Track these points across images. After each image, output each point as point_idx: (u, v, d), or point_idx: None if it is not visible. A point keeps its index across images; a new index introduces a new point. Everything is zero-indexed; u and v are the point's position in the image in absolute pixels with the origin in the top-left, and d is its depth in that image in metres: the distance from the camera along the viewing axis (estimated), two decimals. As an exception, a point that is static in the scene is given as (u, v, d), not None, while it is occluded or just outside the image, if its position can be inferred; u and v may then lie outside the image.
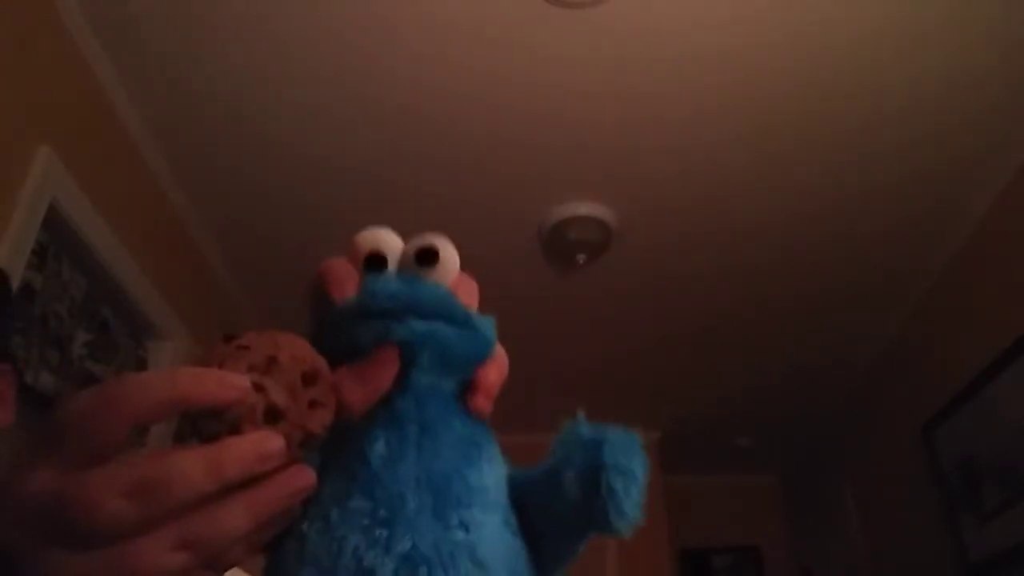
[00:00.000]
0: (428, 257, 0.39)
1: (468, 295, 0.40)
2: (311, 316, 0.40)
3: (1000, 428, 2.38)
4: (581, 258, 2.55)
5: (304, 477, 0.32)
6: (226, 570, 0.31)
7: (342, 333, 0.38)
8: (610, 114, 2.08)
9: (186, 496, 0.28)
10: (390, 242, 0.40)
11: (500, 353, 0.42)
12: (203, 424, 0.31)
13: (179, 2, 1.73)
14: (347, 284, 0.38)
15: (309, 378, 0.34)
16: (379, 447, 0.37)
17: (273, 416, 0.32)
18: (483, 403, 0.40)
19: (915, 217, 2.50)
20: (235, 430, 0.31)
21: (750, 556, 4.81)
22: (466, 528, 0.35)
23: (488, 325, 0.41)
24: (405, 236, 0.41)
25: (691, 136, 2.16)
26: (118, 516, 0.28)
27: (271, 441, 0.31)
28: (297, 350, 0.34)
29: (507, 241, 2.59)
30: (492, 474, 0.39)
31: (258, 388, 0.32)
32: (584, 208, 2.42)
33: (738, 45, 1.87)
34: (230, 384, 0.31)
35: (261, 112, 2.04)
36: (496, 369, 0.41)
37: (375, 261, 0.39)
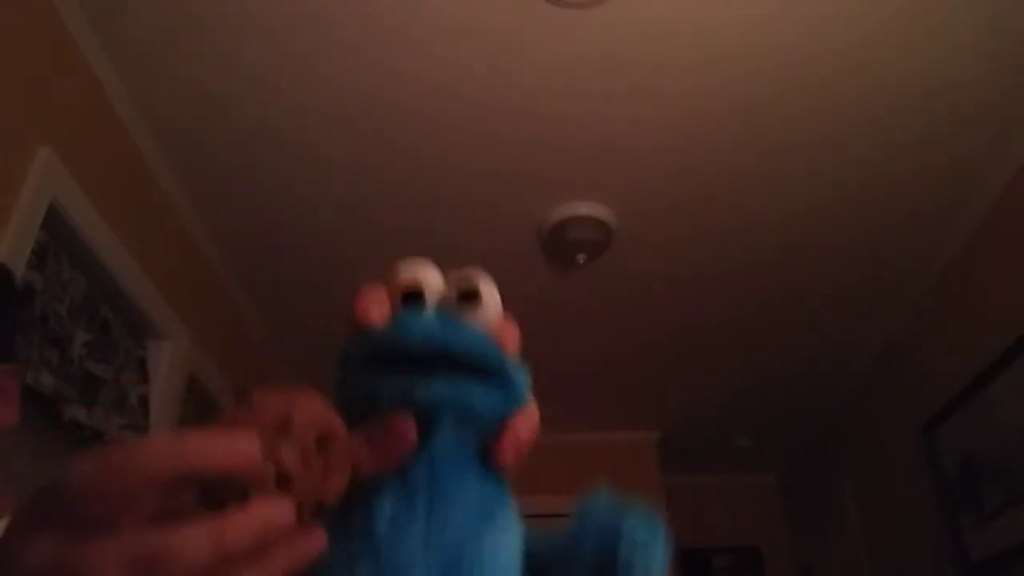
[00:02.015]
0: (470, 297, 0.36)
1: (508, 340, 0.38)
2: (342, 351, 0.38)
3: (1000, 428, 2.38)
4: (581, 258, 2.55)
5: (315, 542, 0.31)
6: None
7: (362, 383, 0.36)
8: (610, 114, 2.08)
9: (189, 571, 0.27)
10: (430, 277, 0.38)
11: (532, 410, 0.39)
12: (212, 490, 0.29)
13: (180, 2, 1.73)
14: (376, 308, 0.36)
15: (324, 442, 0.32)
16: (386, 514, 0.35)
17: (286, 482, 0.30)
18: (509, 457, 0.38)
19: (915, 217, 2.50)
20: (244, 496, 0.29)
21: (750, 556, 4.81)
22: None
23: (523, 374, 0.39)
24: (442, 271, 0.39)
25: (691, 136, 2.16)
26: None
27: (280, 512, 0.30)
28: (312, 410, 0.32)
29: (507, 241, 2.59)
30: (506, 543, 0.37)
31: (269, 453, 0.30)
32: (584, 208, 2.42)
33: (738, 45, 1.87)
34: (239, 451, 0.29)
35: (262, 112, 2.04)
36: (528, 425, 0.39)
37: (412, 297, 0.36)
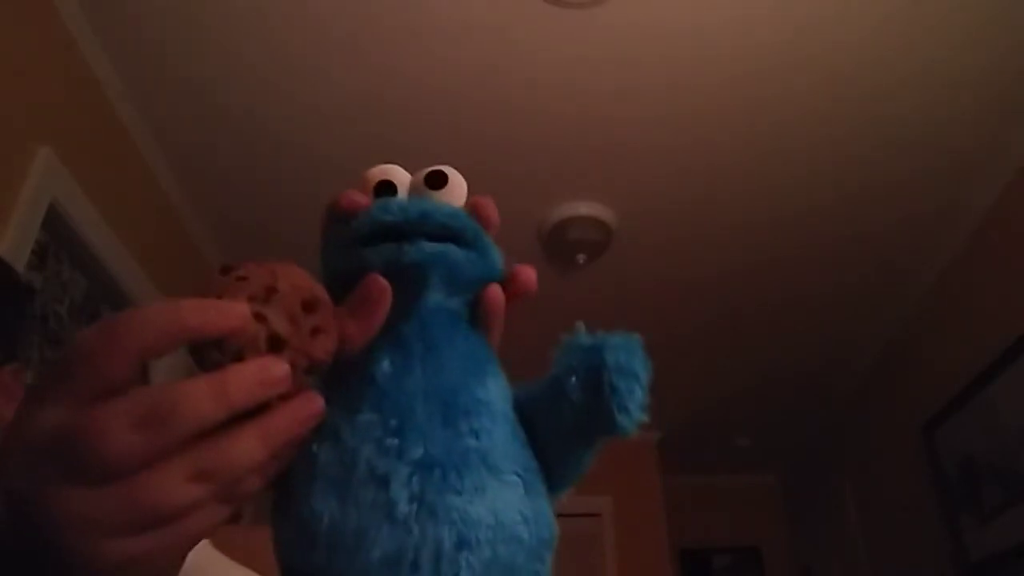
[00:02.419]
0: (437, 179, 0.39)
1: (483, 213, 0.41)
2: (322, 242, 0.40)
3: (1000, 428, 2.38)
4: (581, 258, 2.55)
5: (313, 404, 0.32)
6: (241, 502, 0.31)
7: (352, 256, 0.38)
8: (610, 114, 2.08)
9: (194, 424, 0.28)
10: (400, 173, 0.40)
11: (521, 269, 0.43)
12: (206, 354, 0.31)
13: (180, 3, 1.73)
14: (357, 196, 0.39)
15: (310, 305, 0.33)
16: (384, 366, 0.37)
17: (276, 345, 0.32)
18: (501, 298, 0.41)
19: (915, 217, 2.50)
20: (238, 359, 0.30)
21: (750, 556, 4.82)
22: (476, 435, 0.36)
23: (497, 250, 0.42)
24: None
25: (691, 136, 2.16)
26: (127, 448, 0.27)
27: (275, 367, 0.31)
28: (296, 278, 0.34)
29: (507, 241, 2.54)
30: (497, 388, 0.39)
31: (259, 317, 0.31)
32: (584, 208, 2.42)
33: (737, 45, 1.87)
34: (231, 313, 0.30)
35: (261, 111, 2.04)
36: (518, 284, 0.42)
37: (385, 188, 0.39)
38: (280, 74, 1.92)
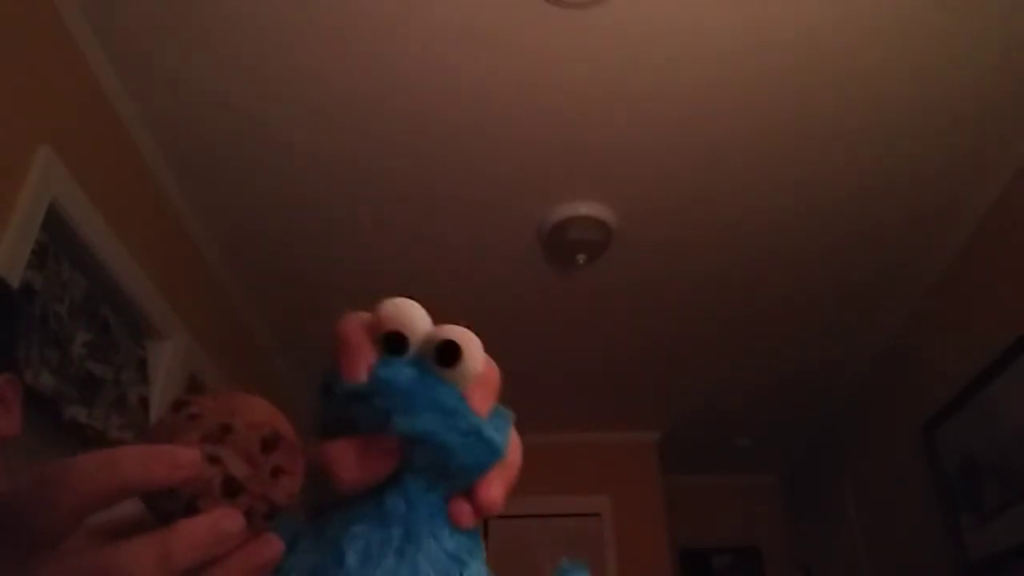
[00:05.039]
0: (448, 356, 0.36)
1: (485, 393, 0.38)
2: (322, 382, 0.38)
3: (1000, 428, 2.38)
4: (581, 258, 2.55)
5: (270, 549, 0.31)
6: None
7: (343, 409, 0.36)
8: (610, 114, 2.08)
9: None
10: (415, 322, 0.37)
11: (512, 456, 0.39)
12: (157, 502, 0.29)
13: (179, 3, 1.73)
14: (359, 363, 0.36)
15: (270, 443, 0.32)
16: (358, 547, 0.35)
17: (232, 489, 0.30)
18: (469, 519, 0.37)
19: (915, 217, 2.50)
20: (192, 506, 0.29)
21: (750, 556, 4.82)
22: None
23: (503, 425, 0.38)
24: (431, 314, 0.38)
25: (691, 136, 2.16)
26: None
27: (229, 520, 0.29)
28: (255, 414, 0.32)
29: (507, 241, 2.59)
30: None
31: (213, 460, 0.30)
32: (584, 208, 2.42)
33: (737, 45, 1.87)
34: (180, 462, 0.28)
35: (262, 112, 2.04)
36: (501, 481, 0.38)
37: (394, 343, 0.36)
38: (280, 74, 1.93)
